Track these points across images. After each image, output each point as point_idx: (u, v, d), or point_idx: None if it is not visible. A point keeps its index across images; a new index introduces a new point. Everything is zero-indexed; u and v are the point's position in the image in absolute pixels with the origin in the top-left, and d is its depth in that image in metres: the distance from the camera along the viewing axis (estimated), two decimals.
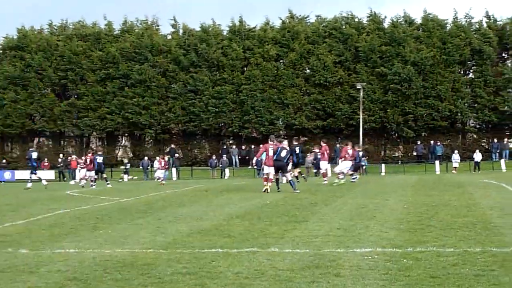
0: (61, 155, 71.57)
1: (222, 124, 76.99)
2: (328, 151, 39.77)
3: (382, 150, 76.59)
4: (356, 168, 40.12)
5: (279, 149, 30.20)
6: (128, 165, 66.90)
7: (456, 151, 63.97)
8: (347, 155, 37.07)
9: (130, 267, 10.69)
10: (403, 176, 51.61)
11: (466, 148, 71.25)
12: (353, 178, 38.35)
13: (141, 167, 67.22)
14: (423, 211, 18.63)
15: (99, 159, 45.14)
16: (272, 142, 30.76)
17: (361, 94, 69.30)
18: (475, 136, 75.82)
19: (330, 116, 74.05)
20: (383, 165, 65.05)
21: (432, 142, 68.61)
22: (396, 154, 76.70)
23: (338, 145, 68.79)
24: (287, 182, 30.59)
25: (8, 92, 78.37)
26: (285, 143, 33.60)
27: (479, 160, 61.30)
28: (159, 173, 50.43)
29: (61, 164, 68.99)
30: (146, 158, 67.83)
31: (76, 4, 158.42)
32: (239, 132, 75.09)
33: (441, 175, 52.48)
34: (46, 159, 71.33)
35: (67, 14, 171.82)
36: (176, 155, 70.47)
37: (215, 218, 17.94)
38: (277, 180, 30.49)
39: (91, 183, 42.78)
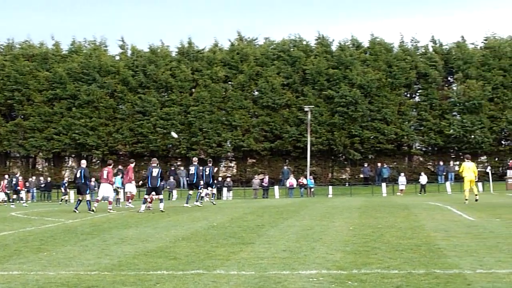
0: (6, 176, 70.47)
1: (170, 145, 76.74)
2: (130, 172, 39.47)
3: (330, 172, 76.93)
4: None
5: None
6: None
7: (402, 174, 64.49)
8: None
9: None
10: (350, 198, 51.85)
11: (412, 171, 72.00)
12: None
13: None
14: (369, 233, 18.73)
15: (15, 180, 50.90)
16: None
17: (309, 116, 69.66)
18: (421, 159, 76.57)
19: (278, 138, 74.29)
20: (330, 187, 65.16)
21: (379, 164, 68.89)
22: (343, 176, 77.06)
23: (285, 167, 69.23)
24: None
25: None
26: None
27: (424, 183, 61.91)
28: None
29: (7, 185, 68.00)
30: (93, 179, 67.18)
31: (23, 24, 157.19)
32: (187, 153, 74.89)
33: (388, 198, 52.84)
34: None
35: (13, 34, 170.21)
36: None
37: (161, 240, 17.86)
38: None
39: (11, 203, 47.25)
